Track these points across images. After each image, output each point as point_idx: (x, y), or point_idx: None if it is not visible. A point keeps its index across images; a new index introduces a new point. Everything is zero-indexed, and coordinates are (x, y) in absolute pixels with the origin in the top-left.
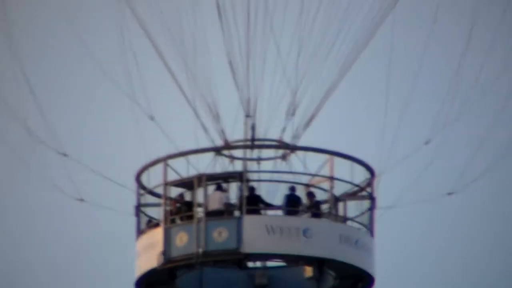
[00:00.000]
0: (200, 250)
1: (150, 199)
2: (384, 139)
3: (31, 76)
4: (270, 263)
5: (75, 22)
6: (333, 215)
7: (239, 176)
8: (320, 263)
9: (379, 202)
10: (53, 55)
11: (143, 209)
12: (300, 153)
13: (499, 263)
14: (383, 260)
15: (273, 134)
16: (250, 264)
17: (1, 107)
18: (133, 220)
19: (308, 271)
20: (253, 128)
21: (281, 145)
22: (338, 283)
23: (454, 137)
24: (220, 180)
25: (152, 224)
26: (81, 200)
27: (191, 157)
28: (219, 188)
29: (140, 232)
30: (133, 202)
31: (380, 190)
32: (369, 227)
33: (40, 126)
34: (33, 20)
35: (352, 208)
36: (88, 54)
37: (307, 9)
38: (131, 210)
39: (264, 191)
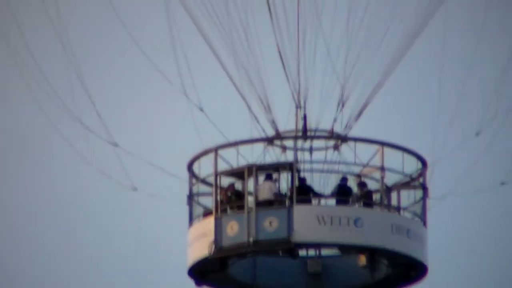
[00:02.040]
0: (251, 239)
1: (202, 188)
2: (436, 130)
3: (83, 70)
4: (324, 252)
5: (125, 16)
6: (385, 205)
7: (289, 166)
8: (371, 252)
9: (432, 192)
10: (104, 50)
11: (195, 198)
12: (351, 143)
13: None
14: (436, 250)
15: (325, 124)
16: (304, 252)
17: (54, 99)
18: (185, 209)
19: (362, 259)
20: (304, 118)
21: (332, 135)
22: (392, 272)
23: (506, 127)
24: (270, 170)
25: (207, 212)
26: (135, 189)
27: (243, 148)
28: (269, 178)
29: (192, 221)
30: (185, 191)
31: (433, 181)
32: (422, 217)
33: (93, 118)
34: (83, 15)
35: (406, 198)
36: (138, 47)
37: (357, 1)
38: (184, 199)
39: (315, 181)
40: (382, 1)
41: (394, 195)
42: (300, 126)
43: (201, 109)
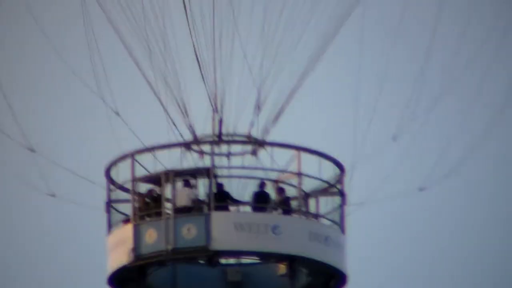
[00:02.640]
0: (169, 247)
1: (121, 195)
2: (354, 134)
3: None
4: (244, 260)
5: (41, 18)
6: (303, 212)
7: (207, 172)
8: (290, 260)
9: (351, 198)
10: (21, 53)
11: (114, 205)
12: (268, 148)
13: (469, 258)
14: (356, 258)
15: (242, 129)
16: (224, 261)
17: None
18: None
19: (282, 268)
20: (220, 122)
21: (249, 140)
22: (311, 281)
23: (424, 133)
24: (188, 176)
25: (126, 219)
26: (53, 195)
27: (161, 153)
28: (187, 184)
29: (111, 228)
30: (103, 197)
31: (352, 186)
32: (340, 224)
33: (9, 122)
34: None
35: (324, 204)
36: (55, 50)
37: (273, 4)
38: (102, 205)
39: (234, 187)
40: (297, 4)
41: (312, 201)
42: (217, 130)
43: (117, 113)
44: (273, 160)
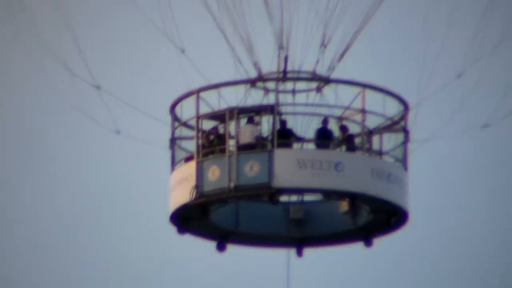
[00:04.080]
0: (232, 184)
1: (185, 132)
2: (419, 72)
3: (68, 14)
4: (306, 198)
5: None
6: (366, 149)
7: (270, 109)
8: (352, 198)
9: (414, 135)
10: None
11: (178, 142)
12: (333, 85)
13: None
14: (418, 195)
15: (307, 66)
16: (286, 198)
17: (38, 41)
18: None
19: (344, 205)
20: (286, 60)
21: (314, 77)
22: (373, 218)
23: (488, 72)
24: (252, 113)
25: (189, 157)
26: (118, 132)
27: (225, 90)
28: (250, 121)
29: (174, 165)
30: (167, 135)
31: (416, 124)
32: (403, 161)
33: (75, 60)
34: None
35: (387, 142)
36: None
37: None
38: (166, 142)
39: (298, 124)
40: None
41: (376, 138)
42: (282, 67)
43: (183, 51)
44: (337, 97)
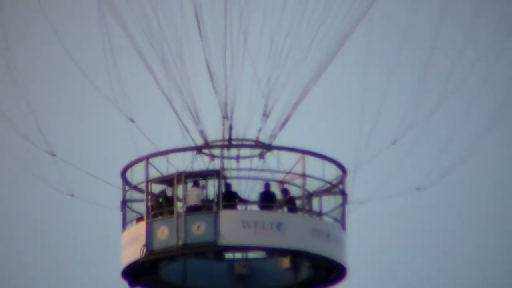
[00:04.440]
0: (180, 242)
1: (136, 195)
2: (356, 138)
3: (24, 84)
4: (250, 255)
5: (59, 27)
6: (307, 210)
7: (216, 174)
8: (294, 255)
9: (353, 198)
10: (41, 64)
11: (128, 204)
12: (275, 152)
13: (467, 255)
14: (356, 253)
15: (251, 134)
16: (231, 256)
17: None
18: (119, 214)
19: (286, 262)
20: (230, 128)
21: (256, 144)
22: (313, 274)
23: (421, 139)
24: (198, 177)
25: (139, 218)
26: (72, 195)
27: (173, 156)
28: (196, 184)
29: (125, 225)
30: (119, 197)
31: (354, 186)
32: (341, 222)
33: (33, 130)
34: (23, 32)
35: (327, 203)
36: (72, 59)
37: (281, 14)
38: (118, 205)
39: (242, 188)
40: (306, 17)
41: (316, 200)
42: (227, 135)
43: (132, 120)
44: (279, 163)
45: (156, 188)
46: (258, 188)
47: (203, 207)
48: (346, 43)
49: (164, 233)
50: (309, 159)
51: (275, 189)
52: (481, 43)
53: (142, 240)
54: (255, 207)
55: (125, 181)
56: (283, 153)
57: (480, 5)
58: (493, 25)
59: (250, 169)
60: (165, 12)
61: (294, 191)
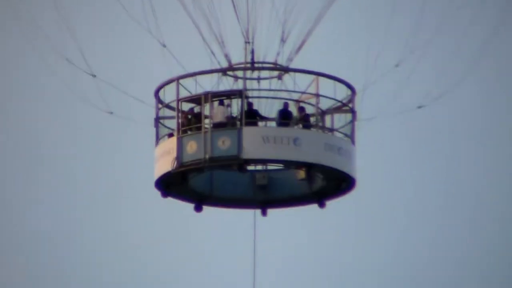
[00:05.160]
0: (207, 156)
1: (168, 112)
2: (364, 62)
3: (69, 13)
4: (270, 167)
5: None
6: (320, 127)
7: (239, 94)
8: (308, 167)
9: (361, 115)
10: None
11: (161, 121)
12: (292, 73)
13: (467, 168)
14: (365, 165)
15: (270, 57)
16: (252, 167)
17: (44, 40)
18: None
19: (301, 173)
20: (252, 52)
21: (275, 66)
22: (326, 184)
23: (421, 62)
24: (223, 97)
25: (171, 133)
26: (111, 113)
27: (201, 78)
28: (221, 103)
29: (158, 140)
30: (152, 115)
31: (362, 105)
32: (351, 137)
33: (75, 53)
34: None
35: (338, 120)
36: None
37: None
38: (152, 122)
39: (262, 106)
40: None
41: (328, 118)
42: (249, 59)
43: (164, 45)
44: (295, 84)
45: (186, 106)
46: (277, 106)
47: (228, 123)
48: None
49: (193, 147)
50: (322, 80)
51: (292, 107)
52: None
53: (173, 154)
54: (273, 124)
55: (158, 100)
56: (299, 75)
57: None
58: None
59: (270, 90)
60: None
61: (309, 109)
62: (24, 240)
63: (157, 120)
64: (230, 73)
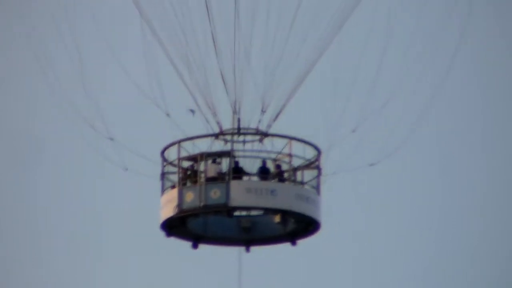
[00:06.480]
0: (202, 204)
1: (171, 169)
2: (328, 127)
3: (88, 81)
4: (252, 213)
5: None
6: (292, 180)
7: (228, 154)
8: (283, 213)
9: (325, 170)
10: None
11: (166, 176)
12: (270, 137)
13: (416, 219)
14: (328, 211)
15: (253, 125)
16: (238, 213)
17: (75, 112)
18: (159, 183)
19: (277, 218)
20: (238, 121)
21: (257, 132)
22: (297, 226)
23: (374, 127)
24: (215, 156)
25: (173, 185)
26: (126, 169)
27: (197, 141)
28: (214, 161)
29: (163, 191)
30: (159, 171)
31: (326, 163)
32: (317, 188)
33: (96, 119)
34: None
35: (307, 175)
36: (121, 66)
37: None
38: (158, 176)
39: (246, 164)
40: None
41: (299, 173)
42: (236, 126)
43: (168, 115)
44: (273, 146)
45: (185, 164)
46: (258, 164)
47: (218, 178)
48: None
49: (190, 197)
50: (295, 143)
51: (270, 164)
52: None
53: (175, 202)
54: (255, 178)
55: (163, 159)
56: (276, 139)
57: None
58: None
59: (252, 150)
60: (190, 37)
61: (284, 166)
62: None
63: (163, 175)
64: (221, 137)
